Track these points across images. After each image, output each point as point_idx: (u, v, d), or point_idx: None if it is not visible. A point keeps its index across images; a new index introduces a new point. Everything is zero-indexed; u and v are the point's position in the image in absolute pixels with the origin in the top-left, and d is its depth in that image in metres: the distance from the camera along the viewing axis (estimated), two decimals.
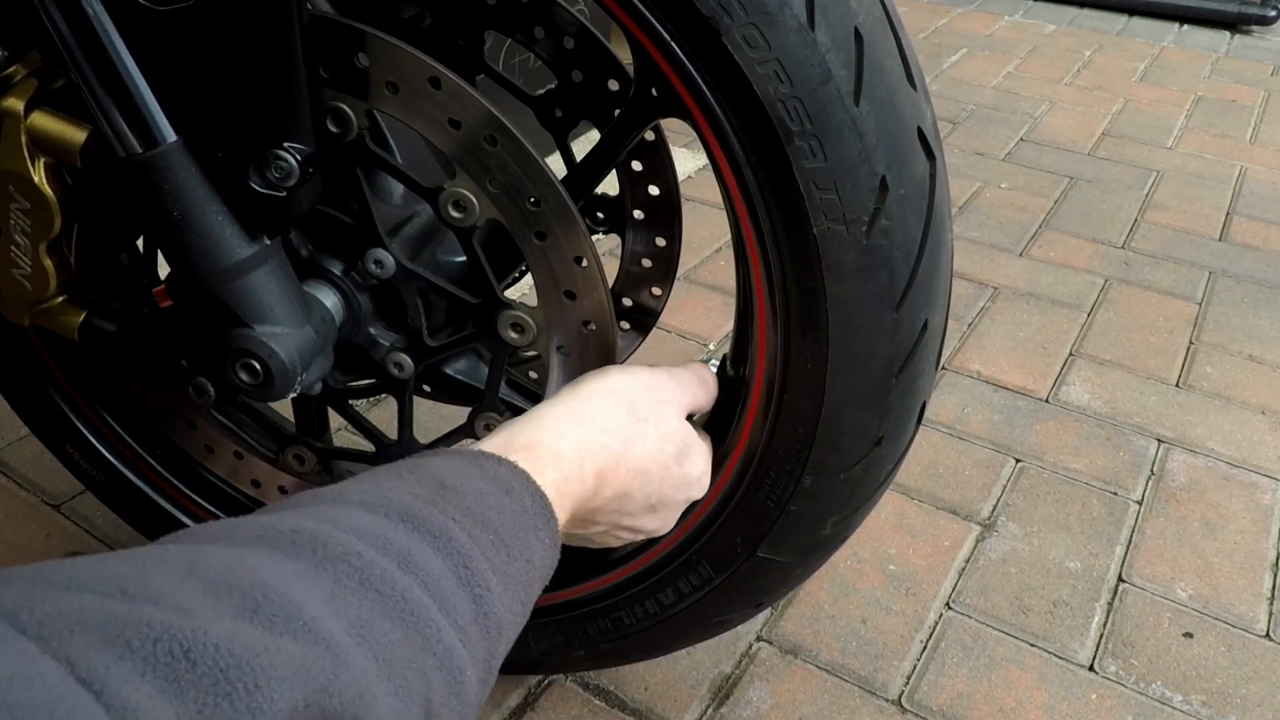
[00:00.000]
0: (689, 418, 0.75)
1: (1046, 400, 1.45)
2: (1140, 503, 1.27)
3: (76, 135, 0.63)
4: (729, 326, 1.46)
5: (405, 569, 0.44)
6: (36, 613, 0.30)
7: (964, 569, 1.15)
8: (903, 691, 1.01)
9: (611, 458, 0.62)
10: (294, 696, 0.34)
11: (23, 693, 0.27)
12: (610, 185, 0.78)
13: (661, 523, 0.70)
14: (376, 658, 0.40)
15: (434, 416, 1.13)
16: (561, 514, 0.57)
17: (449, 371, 0.81)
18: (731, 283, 0.75)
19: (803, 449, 0.69)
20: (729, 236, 0.67)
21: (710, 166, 0.62)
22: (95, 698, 0.29)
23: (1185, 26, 3.19)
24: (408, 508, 0.47)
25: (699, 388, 0.72)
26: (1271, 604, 1.13)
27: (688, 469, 0.68)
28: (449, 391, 0.83)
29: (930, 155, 0.61)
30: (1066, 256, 1.84)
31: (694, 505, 0.75)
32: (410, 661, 0.41)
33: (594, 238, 0.70)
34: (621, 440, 0.63)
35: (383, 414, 1.34)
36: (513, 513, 0.52)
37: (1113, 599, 1.13)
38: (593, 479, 0.61)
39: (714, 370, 0.76)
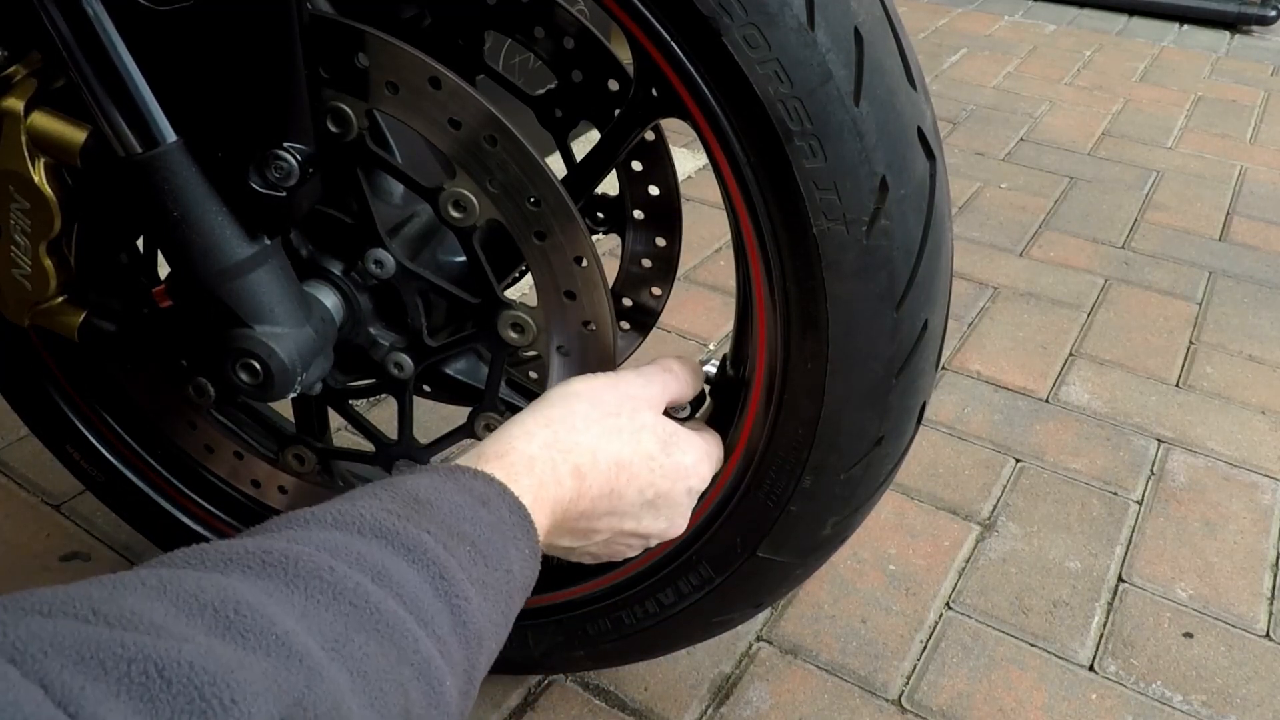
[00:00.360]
0: (689, 416, 0.75)
1: (1046, 400, 1.45)
2: (1140, 503, 1.27)
3: (76, 135, 0.63)
4: (729, 326, 1.46)
5: (379, 582, 0.44)
6: (10, 636, 0.31)
7: (964, 569, 1.15)
8: (903, 691, 1.01)
9: (586, 454, 0.61)
10: (270, 711, 0.34)
11: (2, 717, 0.27)
12: (610, 185, 0.78)
13: (668, 521, 0.68)
14: (351, 671, 0.39)
15: (434, 416, 1.13)
16: (542, 519, 0.56)
17: (449, 371, 0.81)
18: (731, 283, 0.75)
19: (803, 449, 0.69)
20: (729, 236, 0.67)
21: (710, 166, 0.62)
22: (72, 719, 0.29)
23: (1185, 26, 3.19)
24: (380, 523, 0.47)
25: (671, 380, 0.70)
26: (1271, 604, 1.13)
27: (677, 458, 0.66)
28: (449, 391, 0.83)
29: (930, 155, 0.61)
30: (1066, 256, 1.84)
31: (700, 500, 0.74)
32: (387, 673, 0.41)
33: (594, 238, 0.70)
34: (593, 436, 0.62)
35: (383, 414, 1.34)
36: (490, 524, 0.52)
37: (1113, 599, 1.13)
38: (570, 478, 0.60)
39: (704, 364, 0.76)
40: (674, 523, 0.68)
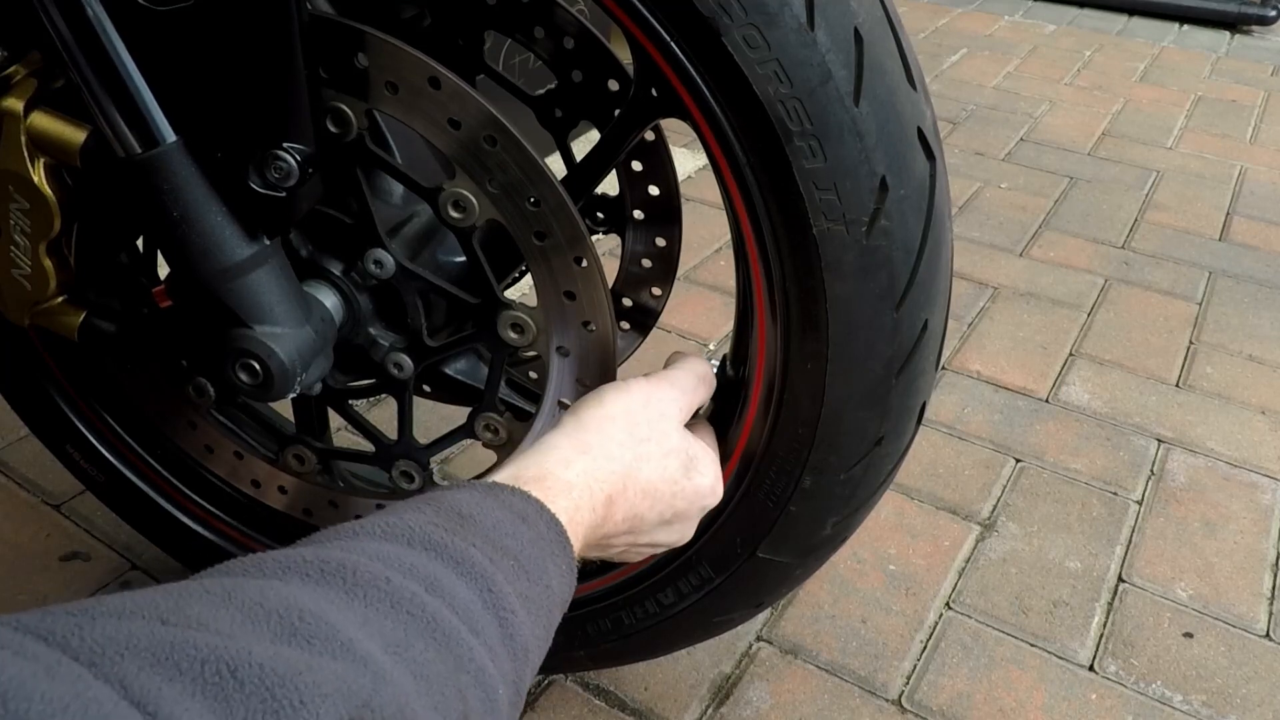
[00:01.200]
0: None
1: (1046, 400, 1.45)
2: (1140, 503, 1.27)
3: (76, 135, 0.63)
4: (729, 326, 1.46)
5: (432, 592, 0.45)
6: (87, 639, 0.31)
7: (964, 569, 1.15)
8: (903, 691, 1.01)
9: (619, 482, 0.63)
10: (338, 712, 0.35)
11: (78, 719, 0.28)
12: (610, 185, 0.78)
13: (679, 535, 0.70)
14: (415, 675, 0.40)
15: (434, 416, 1.13)
16: (575, 542, 0.58)
17: (449, 371, 0.81)
18: (731, 283, 0.75)
19: (803, 449, 0.69)
20: (729, 236, 0.67)
21: (710, 166, 0.62)
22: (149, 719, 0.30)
23: (1185, 26, 3.19)
24: (429, 536, 0.48)
25: (699, 386, 0.71)
26: (1271, 604, 1.13)
27: (697, 482, 0.68)
28: (449, 391, 0.83)
29: (930, 155, 0.61)
30: (1066, 256, 1.84)
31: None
32: (446, 679, 0.42)
33: (594, 238, 0.70)
34: (626, 465, 0.63)
35: (383, 414, 1.34)
36: (530, 540, 0.53)
37: (1113, 599, 1.13)
38: (603, 506, 0.61)
39: (714, 366, 0.76)
40: (684, 535, 0.71)
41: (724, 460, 0.74)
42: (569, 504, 0.58)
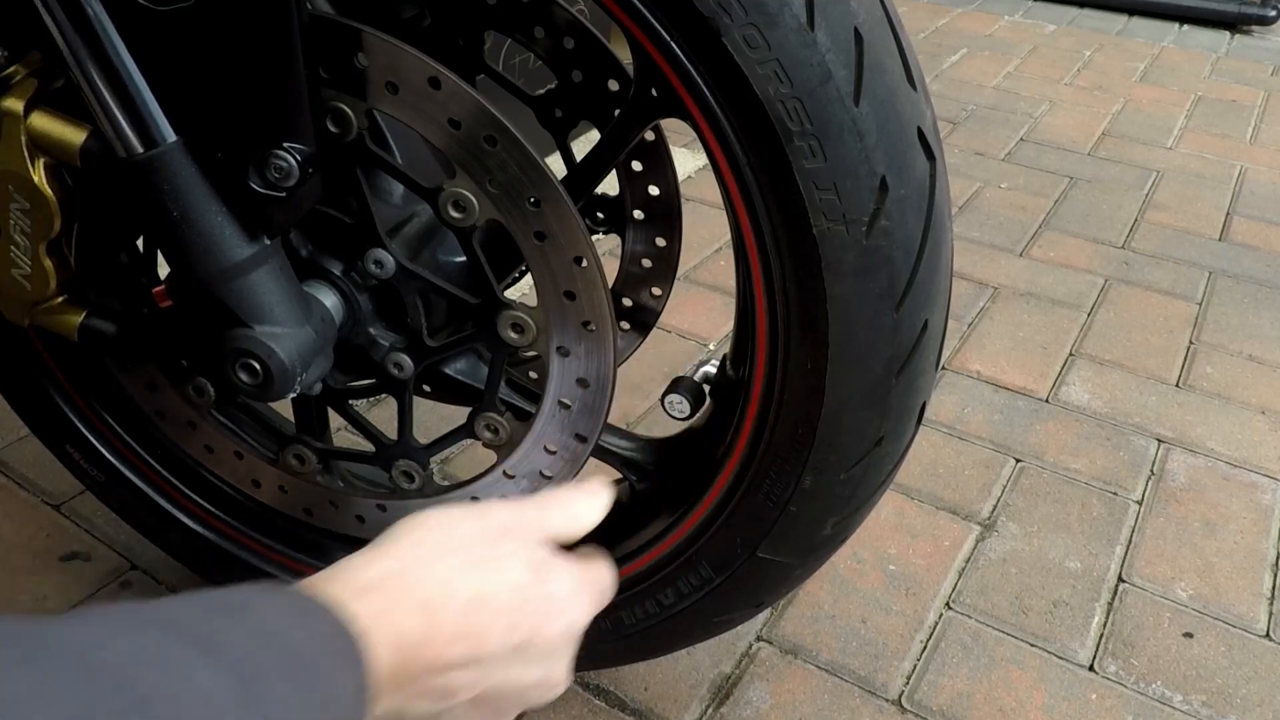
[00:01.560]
0: (687, 417, 0.75)
1: (1046, 400, 1.45)
2: (1140, 503, 1.27)
3: (76, 135, 0.63)
4: (729, 326, 1.46)
5: (140, 664, 0.33)
6: None
7: (964, 569, 1.15)
8: (903, 691, 1.01)
9: (436, 586, 0.50)
10: None
11: None
12: (610, 185, 0.78)
13: (544, 670, 0.53)
14: None
15: (434, 416, 1.13)
16: (382, 655, 0.46)
17: (449, 371, 0.81)
18: (731, 283, 0.75)
19: (803, 449, 0.69)
20: (729, 236, 0.67)
21: (710, 166, 0.62)
22: None
23: (1185, 26, 3.19)
24: (173, 618, 0.37)
25: (551, 516, 0.58)
26: (1271, 604, 1.13)
27: (553, 588, 0.53)
28: (449, 391, 0.83)
29: (930, 155, 0.61)
30: (1066, 256, 1.84)
31: (700, 501, 0.74)
32: None
33: (594, 238, 0.70)
34: (447, 567, 0.51)
35: (383, 414, 1.34)
36: (306, 638, 0.42)
37: (1113, 599, 1.13)
38: (417, 612, 0.49)
39: (704, 364, 0.74)
40: (551, 672, 0.54)
41: (724, 461, 0.74)
42: (367, 608, 0.46)
